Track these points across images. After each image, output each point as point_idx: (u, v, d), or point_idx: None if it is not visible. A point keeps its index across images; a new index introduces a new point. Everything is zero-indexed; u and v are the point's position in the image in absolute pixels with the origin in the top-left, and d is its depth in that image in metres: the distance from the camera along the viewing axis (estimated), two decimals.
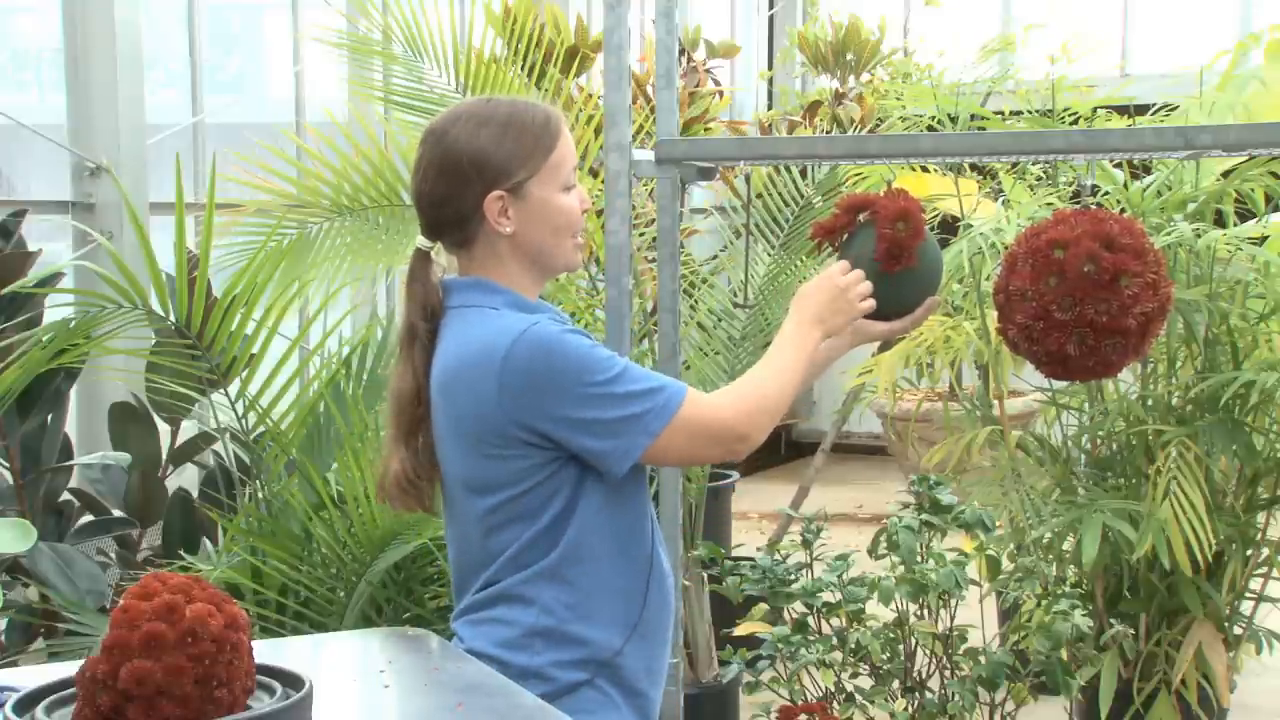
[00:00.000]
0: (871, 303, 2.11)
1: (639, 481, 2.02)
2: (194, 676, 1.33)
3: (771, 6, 9.58)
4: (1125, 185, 3.79)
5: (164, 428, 3.81)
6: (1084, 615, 3.50)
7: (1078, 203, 3.57)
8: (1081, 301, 2.11)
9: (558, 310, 2.13)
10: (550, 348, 1.90)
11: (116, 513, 3.73)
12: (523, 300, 2.01)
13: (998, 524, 3.61)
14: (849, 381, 4.67)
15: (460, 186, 1.99)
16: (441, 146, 2.01)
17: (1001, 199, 4.03)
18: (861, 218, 2.22)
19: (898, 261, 2.16)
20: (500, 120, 1.99)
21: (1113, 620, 3.73)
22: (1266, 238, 3.72)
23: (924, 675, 3.52)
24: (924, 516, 3.46)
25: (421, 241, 2.06)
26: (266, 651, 1.49)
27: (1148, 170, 3.88)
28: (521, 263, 2.02)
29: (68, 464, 3.70)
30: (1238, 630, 3.83)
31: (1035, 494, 3.67)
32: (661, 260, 2.69)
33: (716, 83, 5.87)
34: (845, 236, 2.26)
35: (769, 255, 4.12)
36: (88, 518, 3.73)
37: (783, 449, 9.38)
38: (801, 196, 4.15)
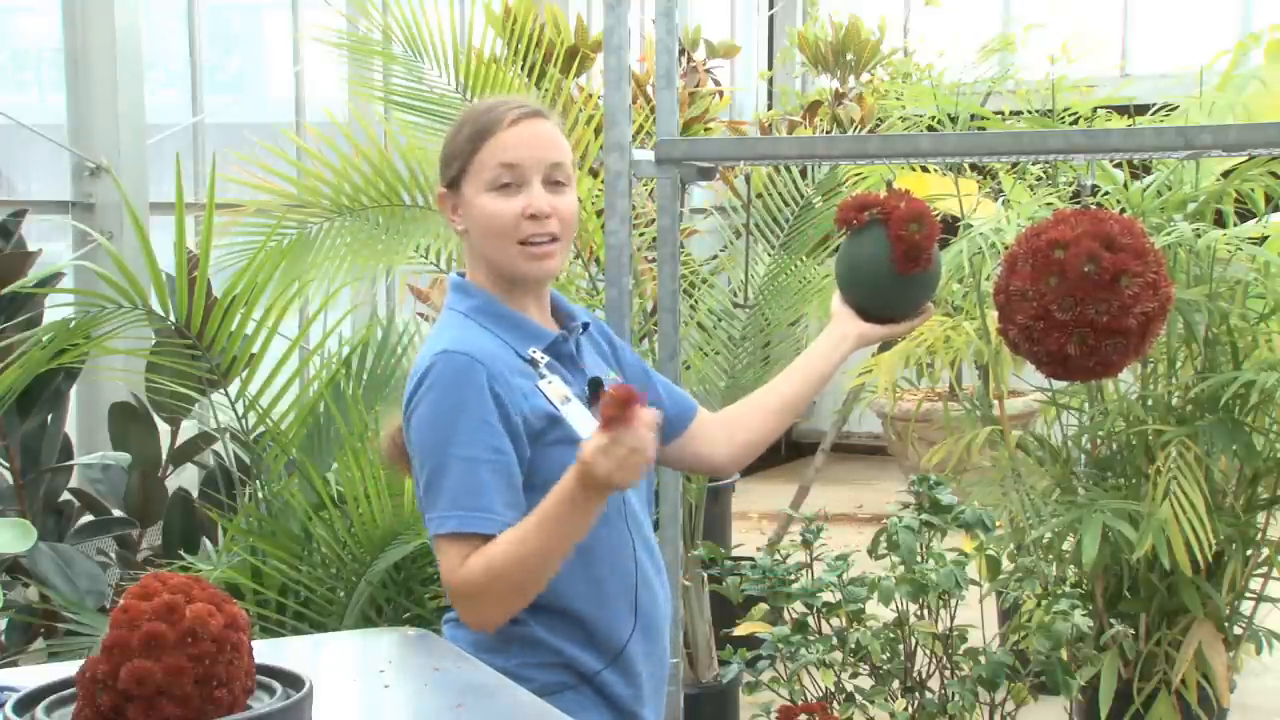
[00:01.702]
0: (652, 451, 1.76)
1: (601, 516, 1.90)
2: (194, 676, 1.33)
3: (771, 6, 9.58)
4: (1125, 185, 3.79)
5: (164, 428, 3.81)
6: (1084, 615, 3.50)
7: (1078, 203, 3.57)
8: (1082, 301, 2.11)
9: (585, 315, 2.09)
10: (436, 384, 1.87)
11: (116, 513, 3.73)
12: (495, 306, 1.97)
13: (998, 524, 3.61)
14: (849, 381, 4.67)
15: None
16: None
17: (1001, 199, 4.03)
18: (867, 215, 2.22)
19: (915, 263, 2.17)
20: (459, 119, 2.00)
21: (1113, 620, 3.73)
22: (1266, 238, 3.72)
23: (924, 675, 3.52)
24: (924, 516, 3.46)
25: None
26: (266, 651, 1.48)
27: (1148, 170, 3.88)
28: (485, 266, 1.99)
29: (68, 464, 3.70)
30: (1238, 630, 3.83)
31: (1035, 494, 3.68)
32: (661, 260, 2.69)
33: (716, 83, 5.86)
34: (847, 234, 2.27)
35: (769, 255, 4.13)
36: (88, 518, 3.73)
37: (783, 449, 9.37)
38: (801, 196, 4.15)
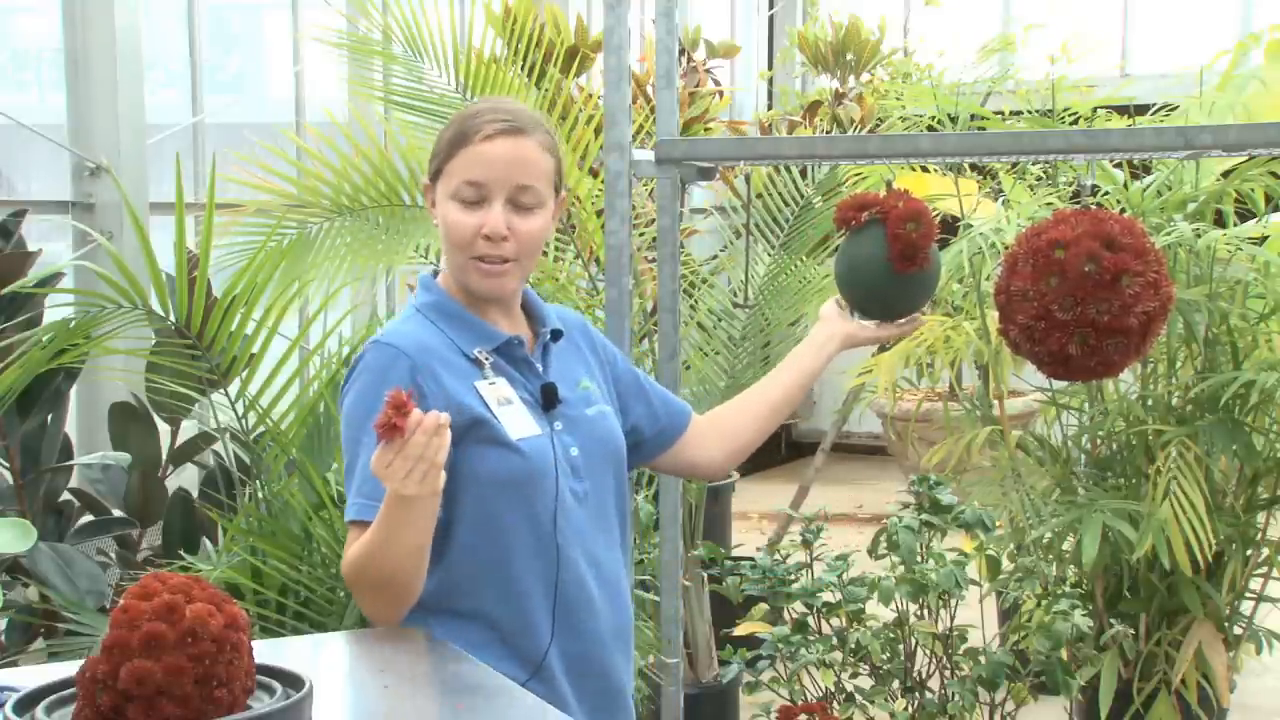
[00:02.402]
0: (445, 452, 1.73)
1: (526, 519, 1.93)
2: (194, 676, 1.33)
3: (771, 6, 9.58)
4: (1125, 185, 3.79)
5: (164, 428, 3.81)
6: (1084, 615, 3.50)
7: (1078, 203, 3.57)
8: (1083, 301, 2.11)
9: (565, 322, 2.09)
10: (362, 373, 1.93)
11: (116, 513, 3.73)
12: (448, 305, 1.99)
13: (998, 524, 3.61)
14: (849, 381, 4.67)
15: None
16: None
17: (1001, 199, 4.03)
18: (865, 215, 2.23)
19: (912, 263, 2.18)
20: (451, 119, 2.02)
21: (1113, 620, 3.73)
22: (1266, 238, 3.72)
23: (924, 675, 3.52)
24: (924, 516, 3.46)
25: None
26: (266, 651, 1.48)
27: (1148, 170, 3.88)
28: (449, 265, 2.01)
29: (68, 464, 3.70)
30: (1238, 630, 3.83)
31: (1035, 494, 3.67)
32: (661, 260, 2.69)
33: (716, 83, 5.87)
34: (846, 234, 2.27)
35: (769, 255, 4.12)
36: (88, 518, 3.72)
37: (783, 449, 9.37)
38: (801, 196, 4.15)
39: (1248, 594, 3.85)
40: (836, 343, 2.27)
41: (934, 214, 2.26)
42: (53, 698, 1.41)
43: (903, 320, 2.28)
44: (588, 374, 2.10)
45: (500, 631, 1.92)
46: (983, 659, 3.43)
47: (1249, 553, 3.78)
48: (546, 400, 1.99)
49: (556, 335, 2.07)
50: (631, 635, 2.11)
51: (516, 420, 1.94)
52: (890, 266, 2.18)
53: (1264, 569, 3.82)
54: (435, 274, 2.05)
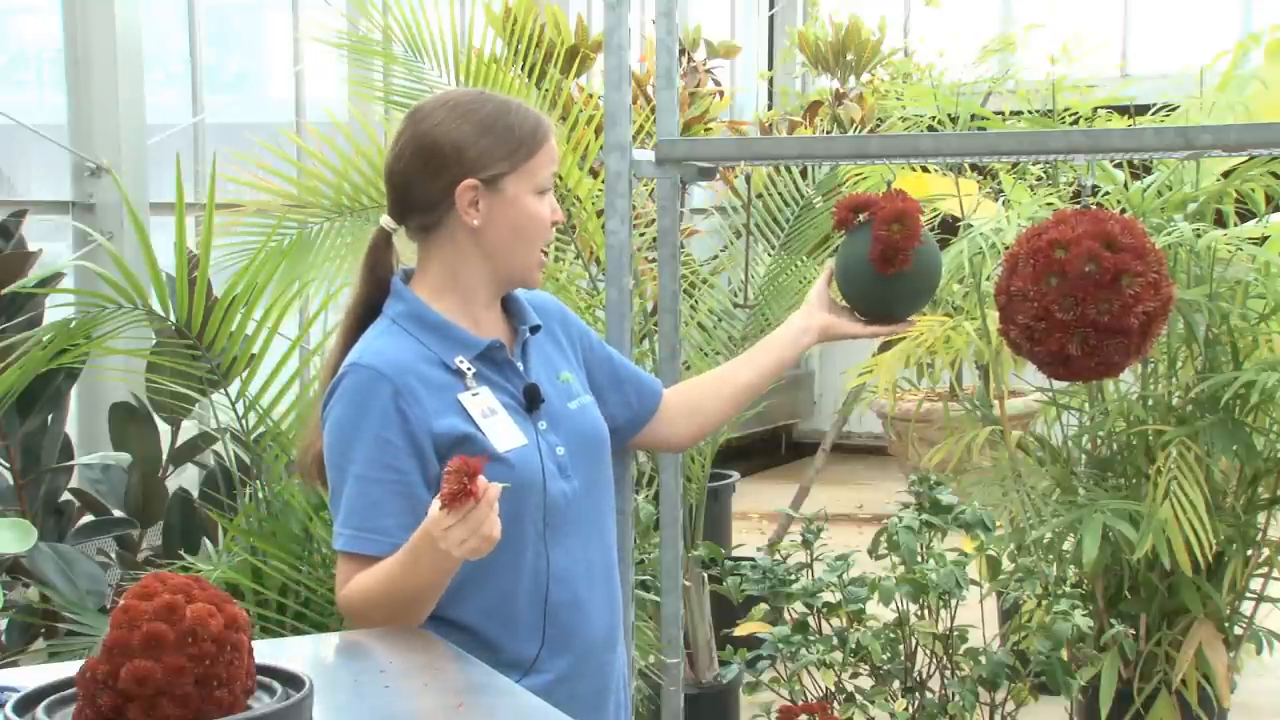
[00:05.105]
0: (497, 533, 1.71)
1: (515, 531, 1.88)
2: (194, 676, 1.33)
3: (771, 6, 9.58)
4: (1125, 185, 3.79)
5: (164, 428, 3.81)
6: (1084, 615, 3.50)
7: (1078, 203, 3.57)
8: (1083, 301, 2.11)
9: (540, 313, 2.07)
10: (342, 397, 1.88)
11: (116, 513, 3.72)
12: (422, 312, 1.94)
13: (998, 524, 3.61)
14: (849, 381, 4.67)
15: (434, 170, 1.93)
16: (422, 127, 1.95)
17: (1001, 199, 4.03)
18: (861, 217, 2.23)
19: (891, 264, 2.17)
20: (486, 115, 1.95)
21: (1113, 620, 3.73)
22: (1266, 238, 3.72)
23: (924, 675, 3.52)
24: (924, 516, 3.46)
25: (386, 221, 2.00)
26: (266, 651, 1.48)
27: (1148, 170, 3.88)
28: (481, 261, 1.96)
29: (68, 464, 3.70)
30: (1238, 630, 3.83)
31: (1035, 494, 3.67)
32: (661, 260, 2.69)
33: (717, 83, 5.86)
34: (845, 234, 2.27)
35: (769, 255, 4.12)
36: (88, 518, 3.72)
37: (783, 449, 9.37)
38: (801, 196, 4.15)
39: (1248, 594, 3.85)
40: (812, 335, 2.27)
41: (931, 215, 2.25)
42: (53, 698, 1.41)
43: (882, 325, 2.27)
44: (567, 364, 2.08)
45: (482, 639, 1.90)
46: (983, 659, 3.43)
47: (1249, 553, 3.78)
48: (530, 401, 1.96)
49: (535, 329, 2.04)
50: (621, 629, 2.09)
51: (502, 431, 1.91)
52: (874, 267, 2.18)
53: (1264, 569, 3.83)
54: (406, 277, 2.00)
